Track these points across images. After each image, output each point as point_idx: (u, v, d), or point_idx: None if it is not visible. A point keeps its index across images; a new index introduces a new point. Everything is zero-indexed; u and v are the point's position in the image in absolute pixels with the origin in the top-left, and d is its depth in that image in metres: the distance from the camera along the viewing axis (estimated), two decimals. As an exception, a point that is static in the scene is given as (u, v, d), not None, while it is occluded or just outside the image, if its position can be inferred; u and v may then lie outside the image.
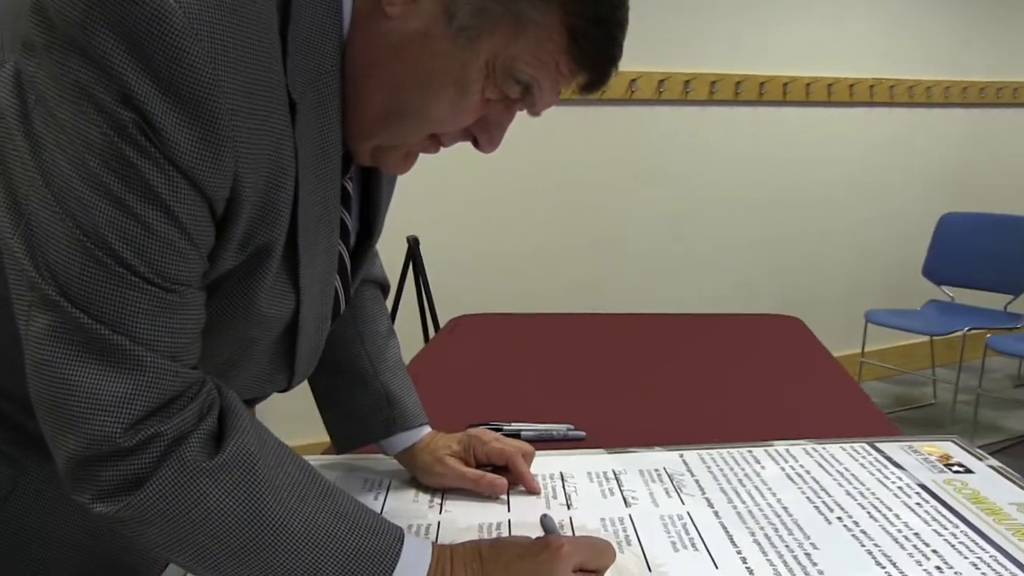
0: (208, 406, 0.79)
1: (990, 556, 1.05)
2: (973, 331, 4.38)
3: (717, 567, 1.04)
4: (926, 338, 4.88)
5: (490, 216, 4.27)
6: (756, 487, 1.27)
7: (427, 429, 1.31)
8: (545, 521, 1.01)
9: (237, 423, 0.80)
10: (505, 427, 1.48)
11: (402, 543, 0.85)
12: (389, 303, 1.40)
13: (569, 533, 1.14)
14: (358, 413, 1.29)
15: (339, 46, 0.83)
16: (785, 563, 1.04)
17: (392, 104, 0.85)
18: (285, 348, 0.96)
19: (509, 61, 0.82)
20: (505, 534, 1.14)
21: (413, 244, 3.63)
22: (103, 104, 0.66)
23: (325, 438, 1.34)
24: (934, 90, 5.20)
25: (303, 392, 1.30)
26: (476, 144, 0.92)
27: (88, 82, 0.66)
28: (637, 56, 4.31)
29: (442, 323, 3.01)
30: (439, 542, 0.91)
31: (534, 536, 0.96)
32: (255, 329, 0.88)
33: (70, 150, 0.68)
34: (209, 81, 0.68)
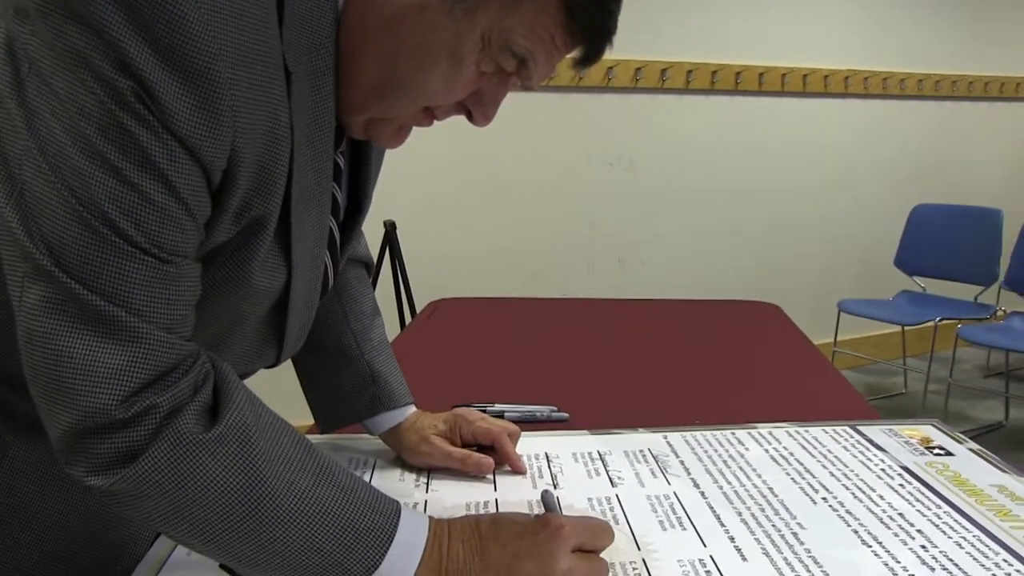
0: (203, 378, 0.79)
1: (974, 536, 1.06)
2: (944, 321, 4.43)
3: (705, 545, 1.05)
4: (898, 328, 4.93)
5: (467, 202, 4.28)
6: (741, 468, 1.27)
7: (412, 408, 1.31)
8: (546, 497, 1.03)
9: (233, 395, 0.79)
10: (489, 408, 1.48)
11: (399, 518, 0.85)
12: (365, 288, 1.40)
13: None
14: (342, 392, 1.29)
15: (334, 17, 0.82)
16: (773, 542, 1.05)
17: (386, 76, 0.84)
18: (275, 323, 0.96)
19: (505, 34, 0.81)
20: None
21: (390, 229, 3.62)
22: (100, 72, 0.65)
23: (308, 420, 1.34)
24: (908, 82, 5.24)
25: (286, 374, 1.30)
26: (470, 118, 0.91)
27: (85, 49, 0.65)
28: (614, 45, 4.31)
29: (418, 309, 3.00)
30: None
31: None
32: (247, 303, 0.88)
33: (65, 119, 0.66)
34: (208, 50, 0.67)
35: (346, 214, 1.06)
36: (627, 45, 4.35)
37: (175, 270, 0.74)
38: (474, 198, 4.31)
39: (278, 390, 1.38)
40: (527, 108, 4.29)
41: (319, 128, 0.84)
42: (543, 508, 1.09)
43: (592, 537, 0.94)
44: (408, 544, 0.85)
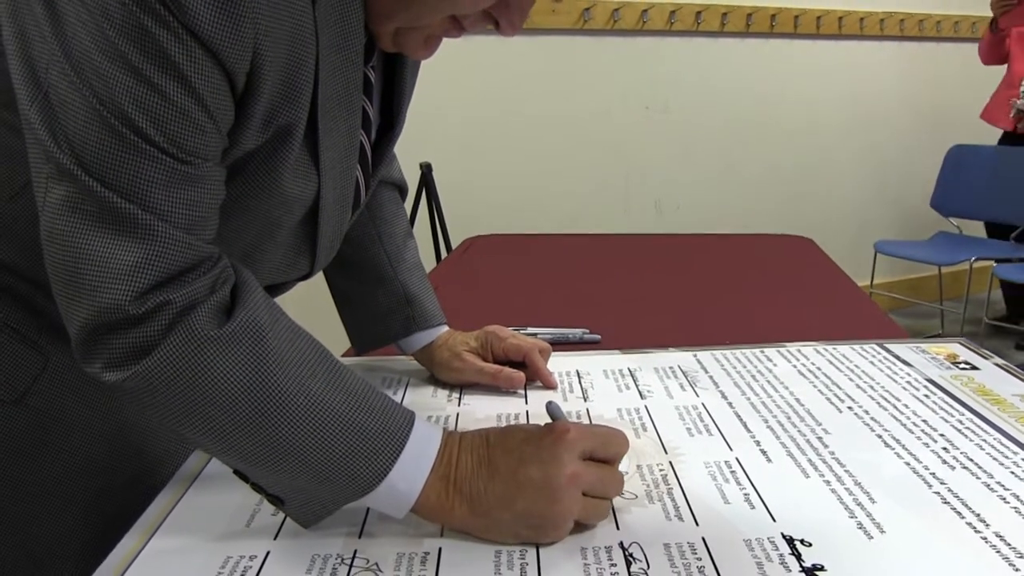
0: (223, 280, 0.79)
1: (994, 439, 1.08)
2: (979, 261, 4.40)
3: (731, 449, 1.07)
4: (934, 271, 4.91)
5: (503, 146, 4.30)
6: (768, 382, 1.30)
7: (445, 328, 1.34)
8: (551, 408, 1.01)
9: (249, 296, 0.80)
10: (521, 331, 1.50)
11: (411, 427, 0.85)
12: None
13: (586, 422, 1.16)
14: (378, 313, 1.32)
15: None
16: (798, 445, 1.07)
17: None
18: (307, 232, 0.97)
19: None
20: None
21: (426, 171, 3.64)
22: None
23: (345, 347, 1.37)
24: (944, 24, 5.17)
25: (324, 304, 1.33)
26: (498, 27, 0.89)
27: None
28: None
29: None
30: (458, 430, 0.92)
31: None
32: (278, 210, 0.89)
33: (89, 22, 0.67)
34: None
35: (379, 132, 1.07)
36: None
37: (195, 171, 0.75)
38: (510, 142, 4.31)
39: (316, 321, 1.41)
40: (563, 51, 4.29)
41: (347, 37, 0.84)
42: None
43: (603, 444, 0.90)
44: (419, 452, 0.84)
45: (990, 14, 4.68)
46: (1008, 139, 4.76)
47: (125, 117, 0.69)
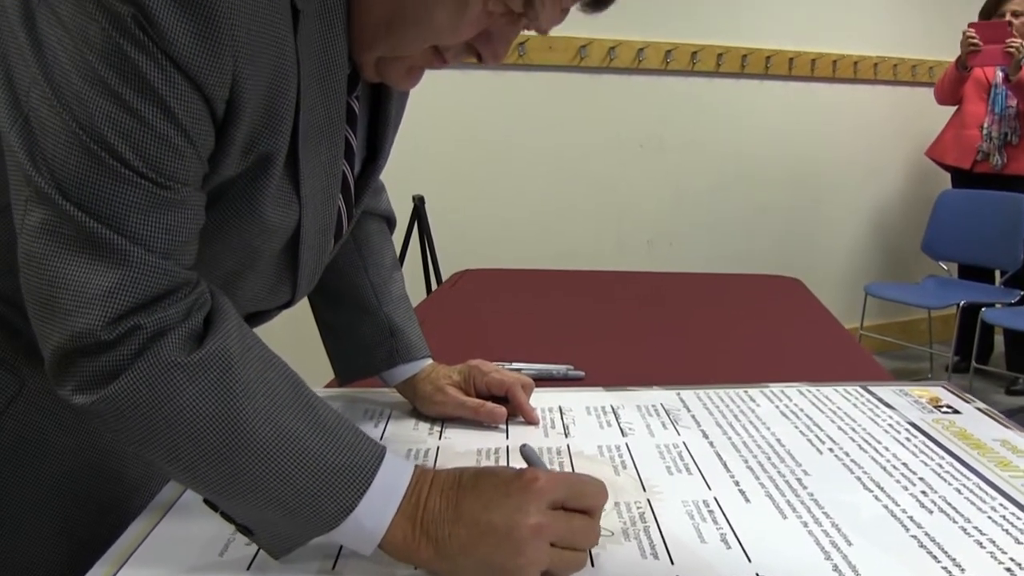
0: (198, 306, 0.79)
1: (973, 483, 1.08)
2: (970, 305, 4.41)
3: (710, 488, 1.07)
4: (924, 314, 4.92)
5: (497, 181, 4.33)
6: (751, 422, 1.30)
7: (429, 361, 1.33)
8: (525, 451, 0.96)
9: (222, 324, 0.79)
10: (506, 366, 1.49)
11: (381, 462, 0.83)
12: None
13: (566, 459, 1.16)
14: (362, 344, 1.31)
15: None
16: (777, 486, 1.07)
17: (393, 12, 0.84)
18: (288, 260, 0.97)
19: None
20: (503, 460, 1.16)
21: (419, 203, 3.65)
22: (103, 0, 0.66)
23: (329, 378, 1.37)
24: (936, 70, 5.20)
25: (309, 334, 1.33)
26: (480, 59, 0.90)
27: None
28: (645, 27, 4.34)
29: (445, 282, 3.03)
30: (437, 465, 0.89)
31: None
32: (259, 238, 0.89)
33: (70, 46, 0.68)
34: None
35: (364, 163, 1.07)
36: (658, 27, 4.38)
37: (173, 196, 0.74)
38: (504, 178, 4.33)
39: (301, 351, 1.41)
40: (558, 88, 4.32)
41: (329, 67, 0.85)
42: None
43: (577, 494, 0.86)
44: (387, 491, 0.83)
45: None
46: (961, 179, 4.87)
47: (104, 141, 0.70)
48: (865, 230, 5.41)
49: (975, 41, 4.54)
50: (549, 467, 1.10)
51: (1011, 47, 4.37)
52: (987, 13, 4.68)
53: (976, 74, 4.69)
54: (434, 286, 3.69)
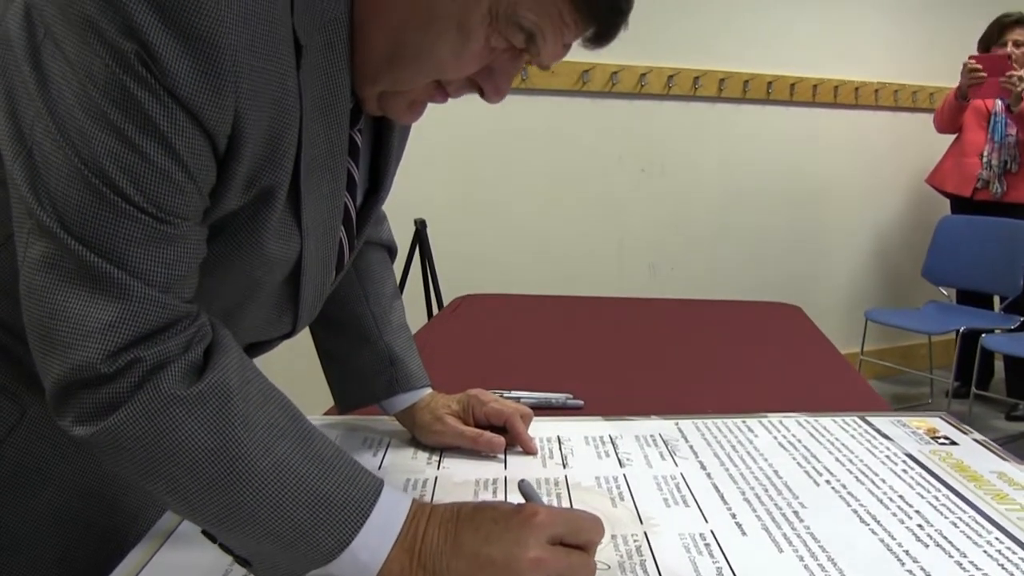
0: (198, 339, 0.79)
1: (969, 516, 1.09)
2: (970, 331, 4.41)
3: (707, 521, 1.07)
4: (925, 339, 4.92)
5: (499, 205, 4.33)
6: (748, 453, 1.30)
7: (428, 390, 1.34)
8: (523, 486, 0.96)
9: (222, 358, 0.80)
10: (505, 394, 1.50)
11: (378, 495, 0.83)
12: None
13: (564, 490, 1.17)
14: (361, 373, 1.32)
15: None
16: (773, 519, 1.08)
17: (395, 47, 0.85)
18: (290, 291, 0.97)
19: (511, 7, 0.81)
20: (501, 490, 1.17)
21: (420, 227, 3.66)
22: (106, 35, 0.67)
23: (328, 405, 1.37)
24: (937, 96, 5.22)
25: (310, 363, 1.34)
26: (482, 94, 0.91)
27: (93, 14, 0.67)
28: (647, 52, 4.36)
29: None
30: (435, 496, 0.89)
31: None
32: (260, 269, 0.89)
33: (74, 81, 0.69)
34: (211, 14, 0.68)
35: (365, 195, 1.08)
36: (661, 52, 4.39)
37: (174, 231, 0.75)
38: (506, 201, 4.34)
39: (301, 380, 1.41)
40: (560, 112, 4.33)
41: (332, 100, 0.86)
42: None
43: (575, 530, 0.87)
44: (384, 523, 0.83)
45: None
46: (961, 206, 4.85)
47: (105, 176, 0.70)
48: (866, 255, 5.42)
49: (980, 74, 4.54)
50: (547, 500, 1.11)
51: (1010, 81, 4.38)
52: (987, 42, 4.68)
53: (976, 103, 4.69)
54: (435, 309, 3.69)
